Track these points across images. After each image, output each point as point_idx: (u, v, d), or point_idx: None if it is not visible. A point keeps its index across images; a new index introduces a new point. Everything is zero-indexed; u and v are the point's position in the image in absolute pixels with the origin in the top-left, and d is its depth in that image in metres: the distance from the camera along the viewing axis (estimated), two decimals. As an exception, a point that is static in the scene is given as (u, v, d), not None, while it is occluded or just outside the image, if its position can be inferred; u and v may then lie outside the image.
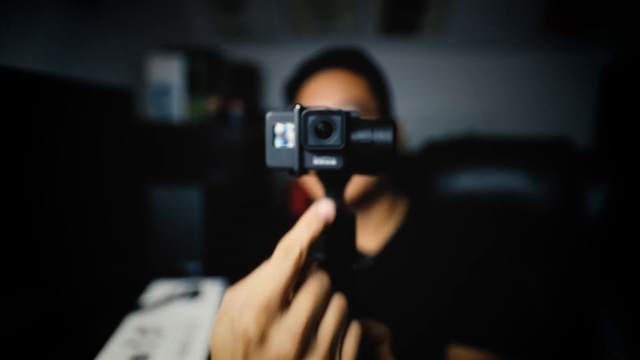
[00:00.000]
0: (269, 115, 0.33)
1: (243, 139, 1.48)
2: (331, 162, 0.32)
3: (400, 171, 0.86)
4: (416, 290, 0.68)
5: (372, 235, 0.76)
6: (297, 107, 0.32)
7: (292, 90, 0.79)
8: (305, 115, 0.31)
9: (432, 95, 2.35)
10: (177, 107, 1.52)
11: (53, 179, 0.81)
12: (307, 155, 0.33)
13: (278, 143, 0.33)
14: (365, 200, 0.73)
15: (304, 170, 0.33)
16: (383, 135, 0.32)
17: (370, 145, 0.33)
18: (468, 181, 0.94)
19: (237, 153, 1.48)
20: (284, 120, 0.33)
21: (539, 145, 0.95)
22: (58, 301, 0.79)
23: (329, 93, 0.72)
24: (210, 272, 0.99)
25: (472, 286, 0.67)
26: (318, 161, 0.33)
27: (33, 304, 0.74)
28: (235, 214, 1.38)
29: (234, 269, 1.02)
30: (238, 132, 1.49)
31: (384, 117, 0.78)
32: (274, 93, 2.39)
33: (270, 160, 0.33)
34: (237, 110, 1.60)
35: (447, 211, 0.79)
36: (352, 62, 0.76)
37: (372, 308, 0.51)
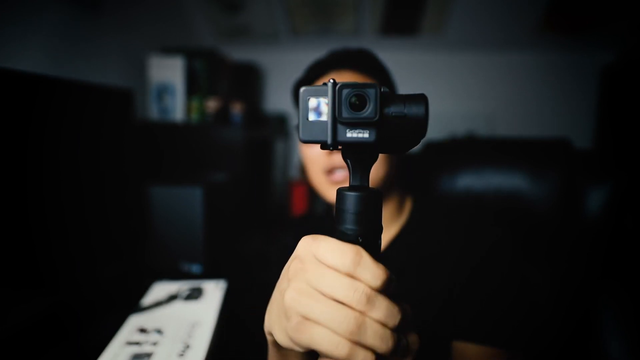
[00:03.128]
0: (302, 89, 0.34)
1: (243, 139, 1.48)
2: (364, 134, 0.33)
3: (405, 171, 0.87)
4: (422, 288, 0.69)
5: None
6: (331, 80, 0.32)
7: None
8: (339, 88, 0.32)
9: (432, 95, 2.34)
10: (177, 107, 1.52)
11: (53, 179, 0.81)
12: (340, 128, 0.33)
13: (311, 116, 0.34)
14: None
15: (337, 143, 0.33)
16: (416, 109, 0.33)
17: (403, 118, 0.33)
18: (469, 181, 0.94)
19: (237, 153, 1.48)
20: (317, 94, 0.33)
21: (539, 145, 0.95)
22: (58, 301, 0.79)
23: None
24: (210, 272, 0.99)
25: (477, 283, 0.67)
26: (351, 134, 0.33)
27: (33, 304, 0.75)
28: (236, 214, 1.38)
29: (234, 270, 1.02)
30: (238, 132, 1.49)
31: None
32: (274, 93, 2.39)
33: (304, 134, 0.34)
34: (237, 110, 1.60)
35: (452, 210, 0.80)
36: (360, 63, 0.77)
37: None
